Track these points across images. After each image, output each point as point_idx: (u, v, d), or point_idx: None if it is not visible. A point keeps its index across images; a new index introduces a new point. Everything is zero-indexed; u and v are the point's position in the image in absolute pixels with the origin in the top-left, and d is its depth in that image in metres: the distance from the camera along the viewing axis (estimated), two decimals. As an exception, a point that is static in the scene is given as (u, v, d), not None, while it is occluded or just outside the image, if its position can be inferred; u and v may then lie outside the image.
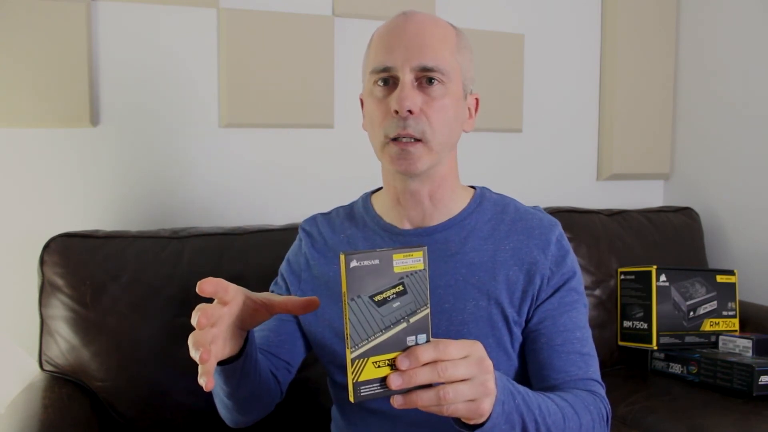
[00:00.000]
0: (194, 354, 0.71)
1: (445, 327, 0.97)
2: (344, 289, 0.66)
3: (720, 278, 1.84)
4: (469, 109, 1.02)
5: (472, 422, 0.74)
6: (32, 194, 1.50)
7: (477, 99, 1.04)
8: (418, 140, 0.93)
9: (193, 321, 0.72)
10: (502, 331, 0.97)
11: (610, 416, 0.97)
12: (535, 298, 0.98)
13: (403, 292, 0.69)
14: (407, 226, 1.02)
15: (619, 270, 1.83)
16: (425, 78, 0.93)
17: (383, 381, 0.68)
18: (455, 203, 1.02)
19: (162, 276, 1.35)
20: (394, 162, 0.94)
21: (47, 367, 1.31)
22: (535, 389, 0.94)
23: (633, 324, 1.78)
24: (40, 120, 1.49)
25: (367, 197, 1.10)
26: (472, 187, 1.08)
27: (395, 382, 0.67)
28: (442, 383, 0.68)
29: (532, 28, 2.05)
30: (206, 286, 0.72)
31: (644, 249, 1.90)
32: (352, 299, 0.66)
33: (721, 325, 1.81)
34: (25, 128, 1.49)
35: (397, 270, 0.68)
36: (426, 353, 0.68)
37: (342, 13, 1.77)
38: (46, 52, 1.47)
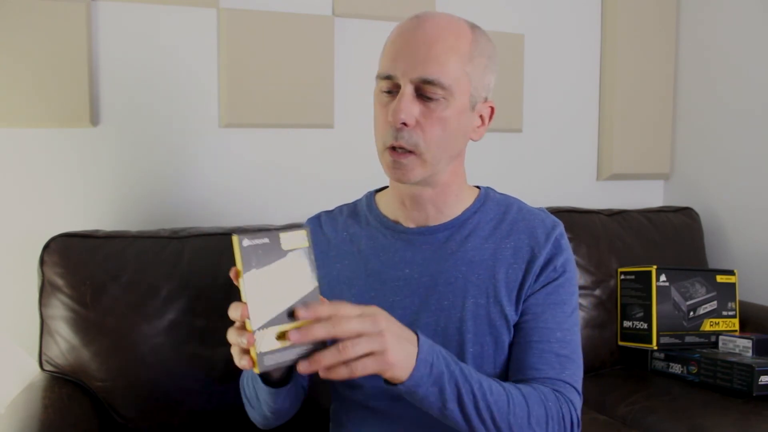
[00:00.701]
0: (239, 339, 0.74)
1: (444, 324, 0.97)
2: (239, 267, 0.71)
3: (720, 278, 1.84)
4: (481, 116, 1.02)
5: (397, 381, 0.78)
6: (32, 194, 1.50)
7: (492, 107, 1.03)
8: (410, 152, 0.93)
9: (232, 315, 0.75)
10: (501, 329, 0.97)
11: (576, 424, 0.92)
12: (530, 289, 0.98)
13: (293, 267, 0.75)
14: (411, 225, 1.02)
15: (619, 270, 1.83)
16: (425, 90, 0.92)
17: (285, 350, 0.73)
18: (459, 204, 1.03)
19: (162, 276, 1.35)
20: (389, 170, 0.95)
21: (47, 367, 1.31)
22: (511, 381, 0.94)
23: (633, 324, 1.78)
24: (40, 120, 1.48)
25: (371, 195, 1.11)
26: (477, 187, 1.09)
27: (293, 336, 0.72)
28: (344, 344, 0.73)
29: (532, 28, 2.05)
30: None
31: (644, 249, 1.90)
32: (247, 275, 0.72)
33: (721, 325, 1.81)
34: (25, 128, 1.49)
35: (284, 248, 0.75)
36: (322, 308, 0.74)
37: (342, 13, 1.77)
38: (46, 52, 1.47)
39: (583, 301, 1.79)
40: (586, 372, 1.78)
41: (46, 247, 1.32)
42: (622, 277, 1.82)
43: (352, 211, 1.10)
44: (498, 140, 2.02)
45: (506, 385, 0.88)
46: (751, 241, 2.04)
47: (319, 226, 1.09)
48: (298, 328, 0.73)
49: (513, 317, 0.98)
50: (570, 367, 0.95)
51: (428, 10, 1.00)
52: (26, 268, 1.39)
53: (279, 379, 0.90)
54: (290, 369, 0.88)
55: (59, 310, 1.30)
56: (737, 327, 1.84)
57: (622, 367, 1.83)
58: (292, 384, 0.91)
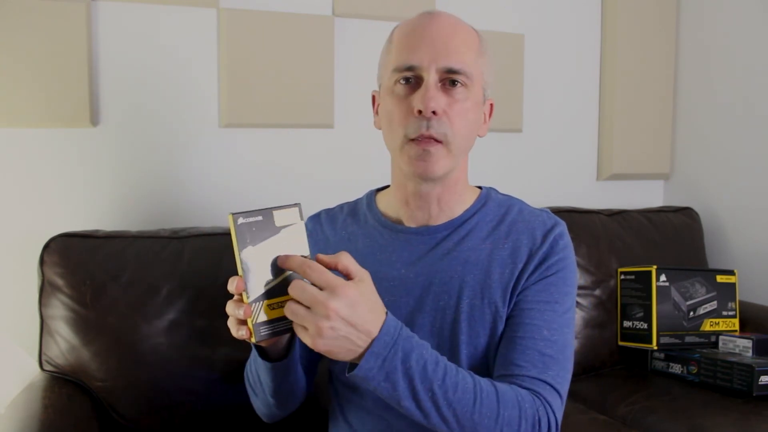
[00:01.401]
0: (236, 311, 0.77)
1: (439, 324, 0.97)
2: (235, 243, 0.76)
3: (720, 278, 1.84)
4: (484, 114, 1.03)
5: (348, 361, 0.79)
6: (32, 194, 1.50)
7: (492, 104, 1.04)
8: (438, 142, 0.93)
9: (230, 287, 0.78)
10: (495, 331, 0.97)
11: (554, 427, 0.90)
12: (518, 288, 0.97)
13: (287, 243, 0.79)
14: (412, 224, 1.02)
15: (619, 270, 1.83)
16: (449, 80, 0.93)
17: (279, 320, 0.78)
18: (461, 204, 1.03)
19: (162, 276, 1.35)
20: (412, 163, 0.94)
21: (47, 367, 1.31)
22: (494, 376, 0.94)
23: (633, 324, 1.78)
24: (40, 120, 1.48)
25: (372, 194, 1.11)
26: (479, 187, 1.08)
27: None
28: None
29: (532, 28, 2.05)
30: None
31: (644, 249, 1.90)
32: (243, 250, 0.76)
33: (721, 325, 1.81)
34: (25, 128, 1.49)
35: (278, 224, 0.79)
36: (294, 262, 0.76)
37: (342, 13, 1.77)
38: (46, 52, 1.47)
39: (583, 301, 1.79)
40: (586, 372, 1.80)
41: (46, 247, 1.32)
42: (622, 277, 1.82)
43: (352, 209, 1.10)
44: (498, 140, 2.02)
45: (481, 382, 0.85)
46: (751, 241, 2.04)
47: (319, 224, 1.09)
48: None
49: (506, 319, 0.97)
50: (553, 367, 0.92)
51: (431, 9, 1.00)
52: (26, 268, 1.39)
53: (277, 356, 0.91)
54: (287, 348, 0.91)
55: (59, 310, 1.30)
56: (737, 327, 1.84)
57: (622, 367, 1.82)
58: (289, 360, 0.91)
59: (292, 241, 0.79)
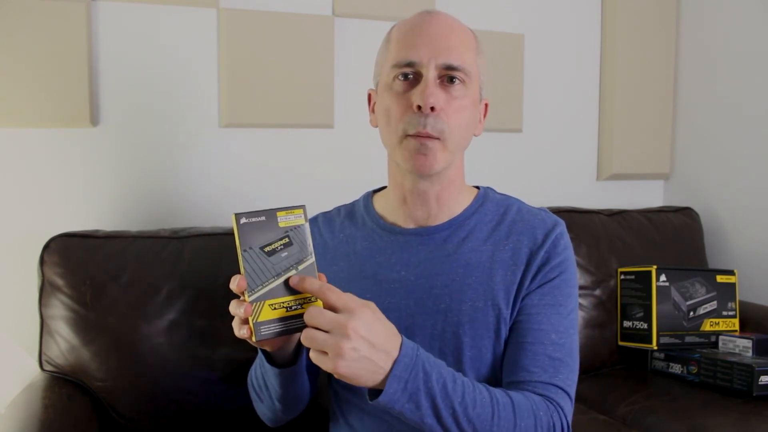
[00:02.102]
0: (238, 310, 0.78)
1: (441, 327, 0.96)
2: (237, 242, 0.77)
3: (720, 278, 1.84)
4: (479, 113, 1.03)
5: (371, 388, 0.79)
6: (32, 194, 1.50)
7: (486, 104, 1.04)
8: (435, 138, 0.93)
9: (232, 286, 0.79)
10: (498, 333, 0.96)
11: (566, 430, 0.92)
12: (522, 292, 0.97)
13: (290, 244, 0.80)
14: (410, 225, 1.02)
15: (619, 270, 1.83)
16: (447, 77, 0.93)
17: (280, 321, 0.79)
18: (458, 204, 1.02)
19: (162, 276, 1.35)
20: (411, 157, 0.94)
21: (47, 367, 1.31)
22: (504, 382, 0.95)
23: (633, 324, 1.78)
24: (40, 120, 1.48)
25: (368, 196, 1.10)
26: (477, 187, 1.08)
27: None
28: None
29: (532, 28, 2.05)
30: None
31: (644, 249, 1.90)
32: (245, 251, 0.77)
33: (721, 325, 1.81)
34: (25, 128, 1.49)
35: (282, 225, 0.80)
36: (312, 284, 0.78)
37: (342, 13, 1.77)
38: (46, 52, 1.47)
39: (583, 301, 1.79)
40: (586, 372, 1.80)
41: (46, 247, 1.32)
42: (622, 277, 1.82)
43: (349, 212, 1.10)
44: (498, 140, 2.02)
45: (497, 394, 0.86)
46: (751, 241, 2.04)
47: (316, 227, 1.09)
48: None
49: (510, 320, 0.97)
50: (563, 371, 0.94)
51: (430, 9, 1.00)
52: (26, 268, 1.39)
53: (285, 362, 0.92)
54: (295, 354, 0.92)
55: (59, 310, 1.30)
56: (737, 327, 1.84)
57: (622, 367, 1.82)
58: (297, 366, 0.92)
59: (295, 242, 0.80)
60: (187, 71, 1.64)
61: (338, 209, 1.12)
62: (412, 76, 0.94)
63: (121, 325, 1.30)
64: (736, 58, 2.06)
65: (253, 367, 1.03)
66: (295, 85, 1.72)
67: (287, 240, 0.80)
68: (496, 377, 0.97)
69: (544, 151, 2.10)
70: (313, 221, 1.10)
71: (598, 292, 1.81)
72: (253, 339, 0.78)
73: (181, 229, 1.47)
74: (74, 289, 1.30)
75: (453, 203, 1.02)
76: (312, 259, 0.81)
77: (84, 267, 1.31)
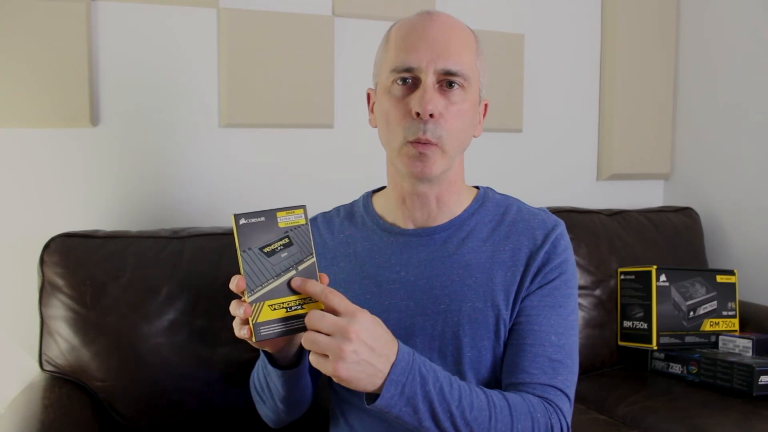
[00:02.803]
0: (238, 311, 0.78)
1: (440, 328, 0.96)
2: (237, 243, 0.77)
3: (720, 278, 1.84)
4: (479, 114, 1.02)
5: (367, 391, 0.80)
6: (32, 194, 1.50)
7: (486, 105, 1.04)
8: (434, 144, 0.92)
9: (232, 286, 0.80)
10: (498, 334, 0.96)
11: (564, 428, 0.92)
12: (522, 293, 0.97)
13: (290, 244, 0.80)
14: (410, 226, 1.02)
15: (619, 270, 1.83)
16: (446, 81, 0.93)
17: (280, 321, 0.78)
18: (459, 204, 1.02)
19: (162, 276, 1.35)
20: (410, 164, 0.94)
21: (47, 367, 1.31)
22: (503, 384, 0.95)
23: (633, 324, 1.78)
24: (40, 120, 1.48)
25: (368, 196, 1.10)
26: (477, 187, 1.08)
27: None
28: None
29: (532, 28, 2.05)
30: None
31: (644, 249, 1.90)
32: (244, 251, 0.78)
33: (721, 325, 1.81)
34: (25, 128, 1.49)
35: (281, 225, 0.79)
36: (314, 287, 0.78)
37: (342, 13, 1.77)
38: (46, 52, 1.47)
39: (583, 301, 1.79)
40: (586, 372, 1.80)
41: (46, 247, 1.32)
42: (622, 277, 1.82)
43: (348, 212, 1.09)
44: (498, 140, 2.02)
45: (494, 397, 0.87)
46: (751, 241, 2.04)
47: (316, 228, 1.08)
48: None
49: (510, 321, 0.97)
50: (563, 372, 0.94)
51: (430, 9, 1.00)
52: (26, 268, 1.39)
53: (287, 363, 0.92)
54: (298, 355, 0.92)
55: (59, 310, 1.30)
56: (737, 327, 1.84)
57: (622, 367, 1.83)
58: (301, 367, 0.92)
59: (296, 243, 0.80)
60: (187, 71, 1.64)
61: (337, 209, 1.12)
62: (410, 81, 0.93)
63: (121, 325, 1.30)
64: (736, 59, 2.06)
65: (255, 369, 1.03)
66: (295, 85, 1.72)
67: (287, 240, 0.80)
68: (496, 378, 0.97)
69: (544, 151, 2.10)
70: (313, 221, 1.10)
71: (598, 292, 1.81)
72: (253, 340, 0.78)
73: (181, 229, 1.47)
74: (74, 289, 1.30)
75: (453, 204, 1.02)
76: (313, 259, 0.81)
77: (84, 267, 1.31)
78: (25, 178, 1.50)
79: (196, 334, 1.34)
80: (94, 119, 1.55)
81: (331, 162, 1.80)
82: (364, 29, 1.79)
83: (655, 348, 1.73)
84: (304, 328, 0.78)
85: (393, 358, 0.79)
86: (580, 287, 1.79)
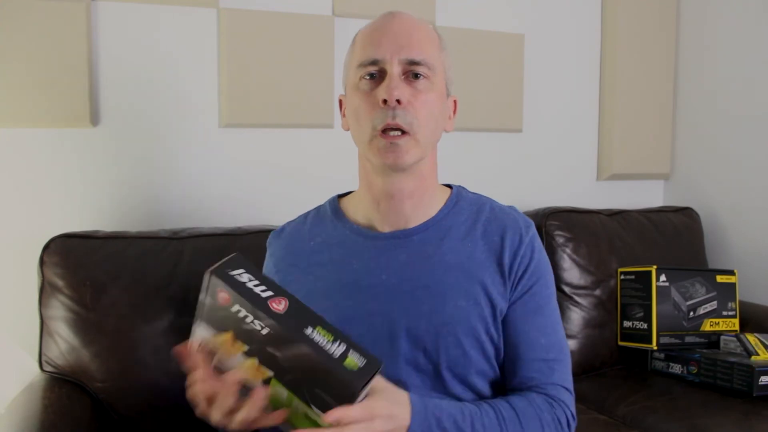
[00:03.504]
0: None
1: (424, 328, 0.96)
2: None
3: (720, 278, 1.84)
4: (449, 109, 1.03)
5: None
6: (32, 194, 1.50)
7: (455, 101, 1.05)
8: (405, 133, 0.93)
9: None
10: (481, 331, 0.97)
11: (572, 421, 0.97)
12: (509, 299, 0.99)
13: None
14: (386, 228, 1.01)
15: (619, 270, 1.83)
16: (412, 72, 0.94)
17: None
18: (433, 204, 1.03)
19: (162, 276, 1.35)
20: (381, 154, 0.94)
21: (47, 367, 1.31)
22: (507, 388, 0.99)
23: (633, 324, 1.78)
24: (40, 120, 1.48)
25: (335, 201, 1.09)
26: (449, 186, 1.08)
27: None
28: None
29: (532, 28, 2.04)
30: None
31: (644, 249, 1.90)
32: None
33: (721, 325, 1.81)
34: (25, 128, 1.49)
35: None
36: (351, 416, 0.76)
37: (342, 13, 1.77)
38: (46, 52, 1.47)
39: (583, 301, 1.79)
40: (586, 372, 1.80)
41: (46, 247, 1.32)
42: (622, 277, 1.82)
43: (316, 218, 1.08)
44: (498, 140, 2.02)
45: (501, 409, 0.92)
46: (751, 241, 2.04)
47: (283, 239, 1.07)
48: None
49: (493, 318, 0.98)
50: (558, 368, 0.99)
51: (393, 10, 1.02)
52: (26, 269, 1.39)
53: None
54: None
55: (59, 311, 1.30)
56: (737, 327, 1.84)
57: (622, 367, 1.82)
58: None
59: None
60: (187, 71, 1.64)
61: (303, 217, 1.11)
62: (377, 74, 0.95)
63: (121, 325, 1.30)
64: (736, 59, 2.06)
65: None
66: (295, 85, 1.71)
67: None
68: (483, 373, 0.99)
69: (544, 151, 2.10)
70: (279, 233, 1.09)
71: (598, 292, 1.81)
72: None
73: (180, 229, 1.47)
74: (74, 289, 1.30)
75: (427, 203, 1.02)
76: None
77: (84, 268, 1.31)
78: (24, 178, 1.50)
79: (196, 335, 1.34)
80: (94, 119, 1.55)
81: (331, 162, 1.80)
82: (364, 29, 1.79)
83: (655, 348, 1.72)
84: None
85: (408, 422, 0.83)
86: (580, 287, 1.79)
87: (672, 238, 1.98)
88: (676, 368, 1.71)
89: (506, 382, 1.00)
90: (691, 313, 1.78)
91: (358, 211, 1.04)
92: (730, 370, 1.56)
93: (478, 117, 1.96)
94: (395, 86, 0.92)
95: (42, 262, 1.31)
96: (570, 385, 1.00)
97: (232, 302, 0.77)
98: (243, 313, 0.76)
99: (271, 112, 1.71)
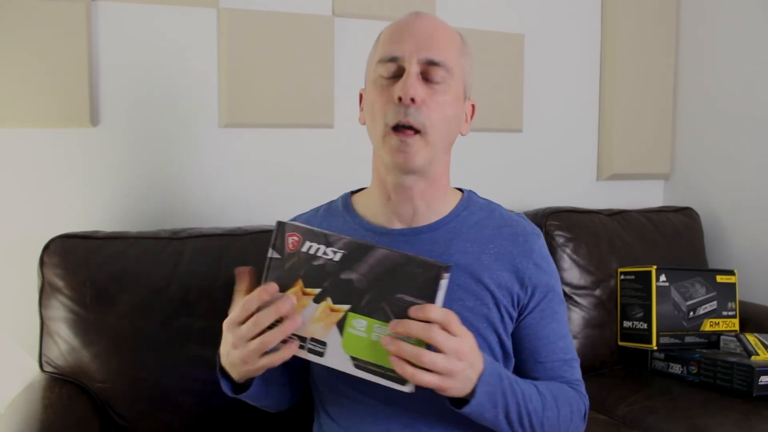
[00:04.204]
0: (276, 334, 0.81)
1: None
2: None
3: (720, 278, 1.84)
4: (465, 113, 1.04)
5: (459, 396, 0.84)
6: (32, 194, 1.50)
7: (473, 105, 1.05)
8: (417, 132, 0.94)
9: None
10: (487, 332, 0.98)
11: (587, 411, 1.04)
12: (524, 307, 1.01)
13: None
14: (396, 225, 1.02)
15: (619, 270, 1.83)
16: (430, 72, 0.95)
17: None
18: (445, 205, 1.03)
19: (162, 277, 1.35)
20: (393, 153, 0.95)
21: (47, 368, 1.31)
22: None
23: (633, 324, 1.78)
24: (40, 120, 1.48)
25: (347, 197, 1.10)
26: (460, 190, 1.09)
27: (393, 325, 0.79)
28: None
29: (532, 28, 2.04)
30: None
31: (644, 249, 1.90)
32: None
33: (721, 325, 1.81)
34: (25, 128, 1.49)
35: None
36: (435, 312, 0.79)
37: (342, 13, 1.77)
38: (46, 52, 1.47)
39: (583, 301, 1.79)
40: (586, 372, 1.78)
41: (46, 248, 1.32)
42: (622, 277, 1.82)
43: (327, 212, 1.09)
44: (498, 140, 2.02)
45: (541, 388, 0.95)
46: (751, 241, 2.04)
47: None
48: (400, 321, 0.79)
49: (500, 320, 0.99)
50: (575, 365, 1.05)
51: (420, 11, 1.03)
52: (26, 269, 1.39)
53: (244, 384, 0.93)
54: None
55: (59, 312, 1.30)
56: (737, 327, 1.84)
57: (622, 367, 1.83)
58: (256, 385, 0.93)
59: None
60: (187, 71, 1.64)
61: (315, 210, 1.12)
62: (395, 71, 0.96)
63: (121, 326, 1.30)
64: (736, 59, 2.06)
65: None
66: (295, 85, 1.71)
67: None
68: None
69: (544, 151, 2.10)
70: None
71: (598, 292, 1.81)
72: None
73: (181, 229, 1.47)
74: (74, 290, 1.30)
75: (439, 203, 1.02)
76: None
77: (84, 268, 1.31)
78: (24, 178, 1.50)
79: (196, 335, 1.34)
80: (94, 119, 1.55)
81: (331, 162, 1.80)
82: (364, 29, 1.79)
83: (655, 348, 1.73)
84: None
85: (481, 368, 0.85)
86: (580, 287, 1.79)
87: (672, 238, 1.98)
88: (676, 368, 1.71)
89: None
90: (691, 313, 1.78)
91: (368, 207, 1.05)
92: (730, 370, 1.56)
93: (478, 117, 1.92)
94: (411, 84, 0.92)
95: (42, 263, 1.31)
96: (582, 379, 1.06)
97: (302, 241, 0.82)
98: (314, 247, 0.82)
99: (271, 112, 1.71)
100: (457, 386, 0.82)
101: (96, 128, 1.56)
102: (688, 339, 1.76)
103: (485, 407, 0.86)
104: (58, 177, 1.52)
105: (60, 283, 1.30)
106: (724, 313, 1.83)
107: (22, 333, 1.44)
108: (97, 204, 1.56)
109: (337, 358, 0.81)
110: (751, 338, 1.66)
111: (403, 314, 0.80)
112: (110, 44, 1.55)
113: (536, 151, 2.09)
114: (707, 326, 1.80)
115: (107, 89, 1.56)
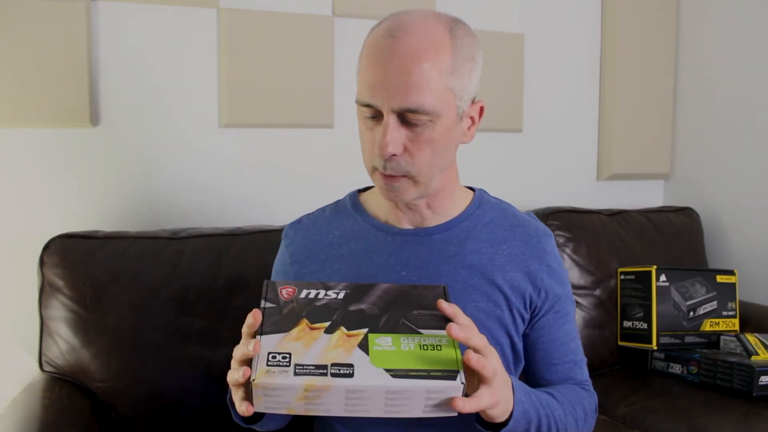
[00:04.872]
0: (235, 375, 0.76)
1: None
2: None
3: (720, 278, 1.84)
4: (471, 118, 0.96)
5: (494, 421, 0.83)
6: (32, 194, 1.50)
7: (482, 107, 0.96)
8: (402, 176, 0.90)
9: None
10: (499, 334, 0.97)
11: (597, 404, 1.06)
12: (537, 309, 1.00)
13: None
14: (406, 225, 1.00)
15: (619, 270, 1.83)
16: (409, 117, 0.87)
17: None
18: (455, 205, 1.02)
19: (162, 276, 1.35)
20: (382, 191, 0.94)
21: (47, 368, 1.31)
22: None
23: (633, 324, 1.78)
24: (40, 120, 1.48)
25: (355, 195, 1.07)
26: (471, 188, 1.08)
27: (454, 330, 0.78)
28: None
29: (532, 28, 2.05)
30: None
31: (644, 249, 1.90)
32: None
33: (721, 325, 1.81)
34: (25, 128, 1.49)
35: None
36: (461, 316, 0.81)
37: (342, 13, 1.77)
38: (46, 52, 1.47)
39: (583, 301, 1.79)
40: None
41: (46, 247, 1.32)
42: (622, 277, 1.82)
43: (335, 211, 1.06)
44: (498, 140, 2.03)
45: (557, 395, 0.96)
46: (751, 241, 2.04)
47: (301, 230, 1.05)
48: (462, 326, 0.79)
49: (512, 322, 0.98)
50: (583, 366, 1.05)
51: (403, 13, 0.91)
52: (26, 269, 1.39)
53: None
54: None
55: (59, 311, 1.30)
56: (737, 327, 1.84)
57: (622, 367, 1.83)
58: (267, 417, 0.89)
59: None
60: (187, 71, 1.64)
61: (322, 210, 1.08)
62: (375, 113, 0.89)
63: (121, 325, 1.30)
64: (736, 59, 2.06)
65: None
66: (295, 85, 1.71)
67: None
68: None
69: (544, 151, 2.10)
70: (297, 224, 1.07)
71: (598, 292, 1.81)
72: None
73: (180, 229, 1.47)
74: (74, 290, 1.30)
75: (448, 206, 1.01)
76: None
77: (84, 268, 1.31)
78: (24, 178, 1.50)
79: (196, 335, 1.34)
80: (94, 119, 1.55)
81: (331, 162, 1.80)
82: (364, 29, 1.75)
83: (655, 348, 1.73)
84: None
85: (510, 379, 0.84)
86: (580, 287, 1.79)
87: (672, 238, 1.98)
88: (676, 368, 1.71)
89: (534, 385, 1.02)
90: (691, 313, 1.78)
91: (377, 206, 1.03)
92: (730, 370, 1.56)
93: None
94: (388, 141, 0.86)
95: (42, 263, 1.31)
96: (589, 378, 1.07)
97: (299, 290, 0.82)
98: (313, 292, 0.82)
99: (271, 112, 1.71)
100: (500, 387, 0.80)
101: (96, 128, 1.56)
102: (688, 339, 1.76)
103: (519, 423, 0.85)
104: (58, 177, 1.52)
105: (60, 283, 1.30)
106: (724, 313, 1.83)
107: (22, 333, 1.44)
108: (97, 204, 1.56)
109: (370, 375, 0.76)
110: (751, 338, 1.66)
111: (428, 325, 0.80)
112: (110, 44, 1.55)
113: (536, 151, 2.09)
114: (707, 326, 1.80)
115: (107, 89, 1.56)
